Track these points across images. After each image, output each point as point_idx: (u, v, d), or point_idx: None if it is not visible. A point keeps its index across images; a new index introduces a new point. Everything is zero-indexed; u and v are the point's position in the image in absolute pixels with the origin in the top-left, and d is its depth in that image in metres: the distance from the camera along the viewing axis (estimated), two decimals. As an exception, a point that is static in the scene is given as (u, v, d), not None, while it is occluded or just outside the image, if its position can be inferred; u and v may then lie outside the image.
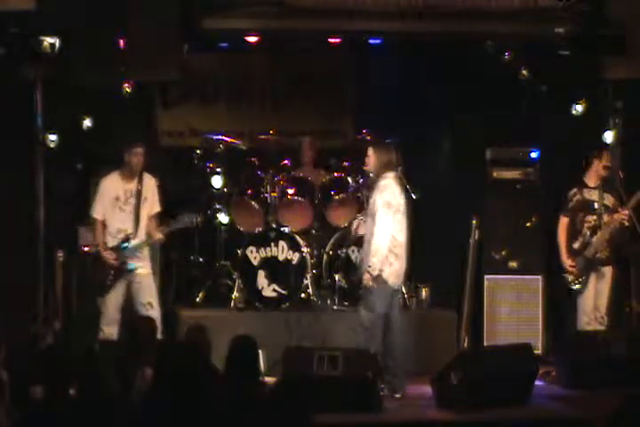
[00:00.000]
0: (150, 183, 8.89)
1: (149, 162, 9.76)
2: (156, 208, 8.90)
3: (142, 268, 8.78)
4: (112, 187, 8.79)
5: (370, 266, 8.17)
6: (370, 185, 8.63)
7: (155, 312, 8.62)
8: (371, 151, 8.47)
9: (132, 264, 8.69)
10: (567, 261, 9.04)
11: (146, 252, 8.86)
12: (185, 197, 10.28)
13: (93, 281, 8.79)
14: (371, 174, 8.58)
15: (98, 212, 8.76)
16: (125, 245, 8.70)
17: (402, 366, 8.22)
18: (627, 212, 8.86)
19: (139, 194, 8.76)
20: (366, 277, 8.19)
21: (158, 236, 8.80)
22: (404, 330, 8.43)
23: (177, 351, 5.87)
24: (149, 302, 8.69)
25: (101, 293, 8.70)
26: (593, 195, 9.09)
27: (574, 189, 9.13)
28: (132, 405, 5.53)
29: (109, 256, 8.67)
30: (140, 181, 8.78)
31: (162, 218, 8.99)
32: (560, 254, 9.11)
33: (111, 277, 8.69)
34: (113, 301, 8.71)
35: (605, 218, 9.03)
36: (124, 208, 8.76)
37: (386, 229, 8.19)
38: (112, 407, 5.38)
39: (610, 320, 9.09)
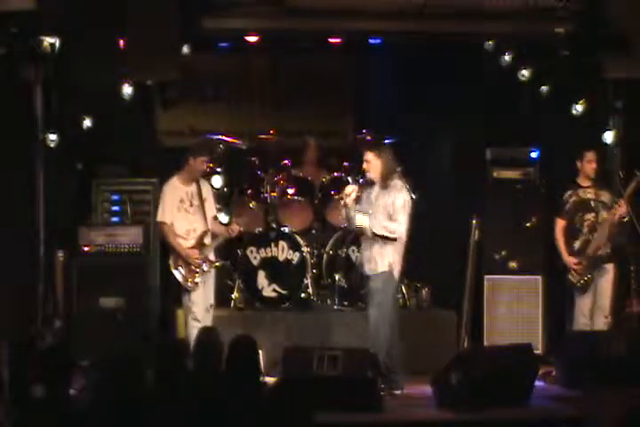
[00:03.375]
0: (206, 186, 9.00)
1: (149, 162, 9.80)
2: (214, 210, 9.01)
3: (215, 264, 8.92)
4: (174, 191, 8.84)
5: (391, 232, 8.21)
6: (379, 186, 8.50)
7: (211, 315, 8.76)
8: (372, 156, 8.38)
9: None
10: (571, 260, 9.04)
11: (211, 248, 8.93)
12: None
13: (178, 282, 8.78)
14: (371, 177, 8.47)
15: (166, 217, 8.79)
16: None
17: (399, 362, 8.22)
18: (624, 205, 8.86)
19: (200, 195, 8.84)
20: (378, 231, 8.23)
21: (236, 228, 8.92)
22: (399, 327, 8.43)
23: (177, 352, 5.88)
24: (211, 303, 8.80)
25: (189, 292, 8.70)
26: (589, 193, 9.13)
27: (569, 191, 9.15)
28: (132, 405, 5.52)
29: (194, 255, 8.72)
30: (198, 184, 8.87)
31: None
32: (561, 255, 9.10)
33: (197, 275, 8.71)
34: (202, 298, 8.71)
35: (604, 214, 9.04)
36: (190, 210, 8.82)
37: (405, 230, 8.25)
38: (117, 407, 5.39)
39: (612, 320, 9.08)
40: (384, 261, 8.27)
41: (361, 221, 8.32)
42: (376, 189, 8.41)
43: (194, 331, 8.15)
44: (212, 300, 8.81)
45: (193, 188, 8.85)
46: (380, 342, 8.19)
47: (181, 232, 8.78)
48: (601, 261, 9.03)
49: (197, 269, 8.71)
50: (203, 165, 8.86)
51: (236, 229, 8.91)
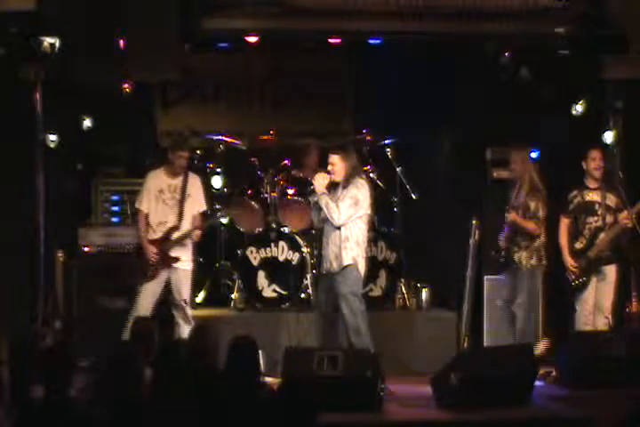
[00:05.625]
0: (195, 182, 8.97)
1: (150, 162, 9.79)
2: (201, 207, 8.97)
3: (184, 262, 8.86)
4: (156, 181, 8.89)
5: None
6: (341, 186, 8.53)
7: (189, 310, 8.80)
8: (337, 159, 8.47)
9: None
10: (570, 261, 9.04)
11: (189, 244, 8.91)
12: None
13: (136, 271, 8.84)
14: (335, 179, 8.49)
15: (143, 204, 8.88)
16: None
17: None
18: (631, 216, 8.85)
19: (183, 190, 8.84)
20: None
21: (197, 233, 8.89)
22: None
23: (177, 351, 5.88)
24: (185, 299, 8.79)
25: (141, 283, 8.75)
26: (594, 196, 9.07)
27: (575, 191, 9.12)
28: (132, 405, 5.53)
29: (151, 249, 8.76)
30: (185, 179, 8.88)
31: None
32: (562, 254, 9.10)
33: (152, 269, 8.76)
34: (150, 294, 8.76)
35: (608, 218, 9.02)
36: (168, 202, 8.85)
37: (342, 220, 8.31)
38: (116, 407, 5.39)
39: (613, 321, 9.08)
40: (348, 255, 8.34)
41: (319, 180, 8.41)
42: (339, 190, 8.47)
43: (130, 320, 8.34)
44: (184, 296, 8.79)
45: (178, 181, 8.86)
46: (365, 340, 8.24)
47: (153, 223, 8.84)
48: (601, 263, 9.02)
49: (151, 263, 8.73)
50: (180, 159, 8.84)
51: (198, 234, 8.88)
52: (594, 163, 9.03)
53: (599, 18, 9.39)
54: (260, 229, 9.88)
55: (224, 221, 10.07)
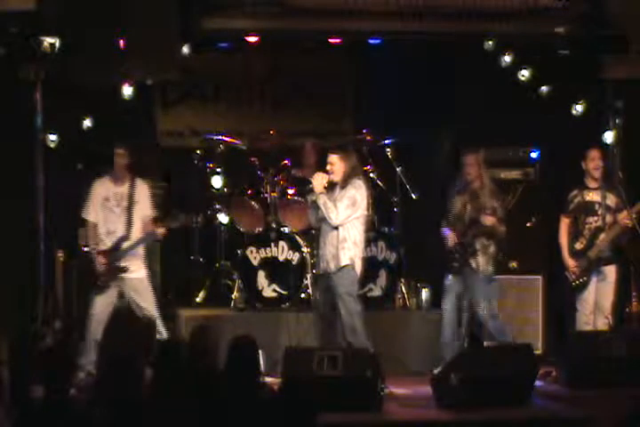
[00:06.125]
0: (142, 187, 8.82)
1: (150, 162, 9.78)
2: (149, 212, 8.81)
3: (135, 272, 8.70)
4: (102, 189, 8.76)
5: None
6: (339, 186, 8.51)
7: (154, 313, 8.63)
8: (336, 159, 8.45)
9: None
10: (569, 261, 9.03)
11: (141, 252, 8.80)
12: (185, 198, 10.32)
13: (87, 281, 8.78)
14: (333, 179, 8.47)
15: (90, 214, 8.76)
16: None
17: None
18: (632, 219, 8.84)
19: (130, 197, 8.72)
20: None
21: (160, 231, 8.74)
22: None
23: (177, 351, 5.88)
24: (146, 306, 8.64)
25: (92, 294, 8.66)
26: (594, 196, 9.06)
27: (575, 191, 9.11)
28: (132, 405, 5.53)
29: (100, 260, 8.65)
30: (132, 185, 8.75)
31: (161, 217, 8.97)
32: (562, 254, 9.10)
33: (102, 279, 8.64)
34: (102, 303, 8.63)
35: (608, 218, 9.01)
36: (115, 210, 8.72)
37: (340, 220, 8.30)
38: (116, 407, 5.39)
39: (613, 321, 9.08)
40: (345, 255, 8.33)
41: (318, 180, 8.39)
42: (337, 190, 8.46)
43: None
44: (146, 306, 8.61)
45: (125, 188, 8.74)
46: (361, 339, 8.24)
47: (102, 232, 8.73)
48: (601, 263, 9.02)
49: (100, 274, 8.62)
50: (119, 158, 8.72)
51: (162, 232, 8.78)
52: (592, 163, 9.03)
53: (599, 18, 9.39)
54: (260, 229, 9.88)
55: (224, 221, 10.07)
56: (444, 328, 8.84)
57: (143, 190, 8.82)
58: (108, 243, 8.70)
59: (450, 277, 8.87)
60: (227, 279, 9.96)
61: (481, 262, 8.78)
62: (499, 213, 8.80)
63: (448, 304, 8.86)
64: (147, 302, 8.66)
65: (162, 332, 8.57)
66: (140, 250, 8.79)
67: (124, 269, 8.64)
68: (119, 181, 8.77)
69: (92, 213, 8.74)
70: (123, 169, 8.75)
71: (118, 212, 8.71)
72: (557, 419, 7.65)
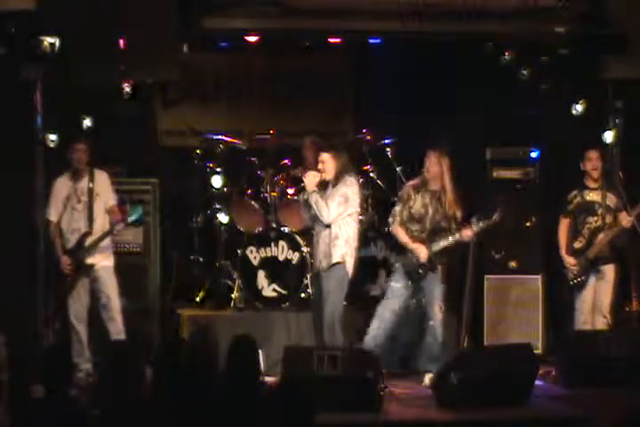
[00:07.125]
0: (102, 178, 8.79)
1: (149, 162, 9.77)
2: (111, 202, 8.78)
3: (101, 261, 8.68)
4: (62, 187, 8.74)
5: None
6: (331, 185, 8.53)
7: (115, 305, 8.61)
8: (327, 157, 8.46)
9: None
10: (568, 259, 9.03)
11: (107, 242, 8.74)
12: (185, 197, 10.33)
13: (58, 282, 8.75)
14: (325, 178, 8.49)
15: (51, 214, 8.72)
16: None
17: None
18: (632, 218, 8.83)
19: (90, 191, 8.69)
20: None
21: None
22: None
23: (177, 351, 5.88)
24: (108, 295, 8.61)
25: (64, 293, 8.66)
26: (594, 196, 9.06)
27: (574, 191, 9.11)
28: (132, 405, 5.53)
29: (64, 260, 8.63)
30: (92, 179, 8.72)
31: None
32: (560, 253, 9.09)
33: (69, 279, 8.63)
34: (77, 300, 8.65)
35: (608, 218, 9.01)
36: (77, 207, 8.70)
37: (331, 218, 8.31)
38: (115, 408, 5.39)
39: (612, 320, 9.08)
40: (337, 253, 8.33)
41: (310, 178, 8.41)
42: (329, 189, 8.47)
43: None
44: (110, 294, 8.60)
45: (84, 183, 8.72)
46: (336, 340, 8.25)
47: (66, 231, 8.70)
48: (600, 262, 9.02)
49: (67, 274, 8.61)
50: (79, 153, 8.70)
51: (122, 226, 8.80)
52: (590, 163, 9.03)
53: (599, 17, 9.39)
54: (260, 229, 9.88)
55: (224, 221, 10.07)
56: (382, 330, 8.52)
57: (103, 181, 8.79)
58: (72, 241, 8.68)
59: (404, 282, 8.54)
60: (227, 279, 9.96)
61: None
62: (458, 219, 8.60)
63: (395, 305, 8.54)
64: (109, 291, 8.63)
65: (121, 330, 8.57)
66: (107, 241, 8.74)
67: (90, 268, 8.63)
68: (79, 176, 8.74)
69: (54, 212, 8.71)
70: (82, 164, 8.73)
71: (80, 208, 8.69)
72: (557, 419, 7.65)
